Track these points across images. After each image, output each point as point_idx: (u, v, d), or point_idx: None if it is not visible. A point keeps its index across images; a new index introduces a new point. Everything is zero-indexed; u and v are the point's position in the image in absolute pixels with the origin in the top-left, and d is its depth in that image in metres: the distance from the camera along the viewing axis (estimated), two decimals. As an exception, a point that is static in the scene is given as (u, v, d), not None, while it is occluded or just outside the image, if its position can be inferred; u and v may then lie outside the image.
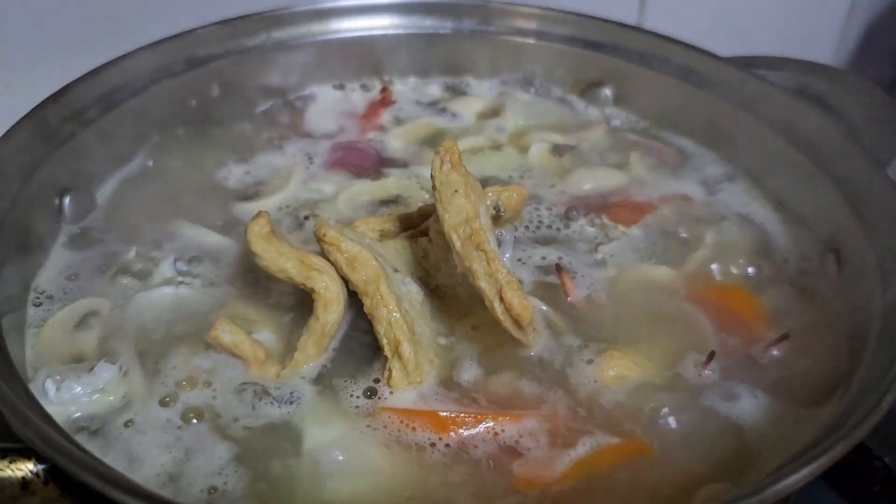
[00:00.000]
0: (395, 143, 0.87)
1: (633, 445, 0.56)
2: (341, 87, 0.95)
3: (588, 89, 0.92)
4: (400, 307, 0.60)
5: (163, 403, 0.58)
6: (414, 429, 0.57)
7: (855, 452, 0.65)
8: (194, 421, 0.57)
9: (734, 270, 0.71)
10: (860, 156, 0.70)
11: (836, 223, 0.71)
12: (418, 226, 0.70)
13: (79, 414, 0.58)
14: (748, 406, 0.59)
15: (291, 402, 0.59)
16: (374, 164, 0.83)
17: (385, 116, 0.90)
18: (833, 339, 0.64)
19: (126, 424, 0.57)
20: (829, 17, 1.33)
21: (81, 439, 0.54)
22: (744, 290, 0.69)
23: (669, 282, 0.69)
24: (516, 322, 0.59)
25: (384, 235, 0.70)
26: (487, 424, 0.57)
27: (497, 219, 0.70)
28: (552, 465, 0.55)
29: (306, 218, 0.76)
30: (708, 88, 0.84)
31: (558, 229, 0.74)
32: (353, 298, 0.62)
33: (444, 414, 0.57)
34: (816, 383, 0.61)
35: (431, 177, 0.62)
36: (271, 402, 0.59)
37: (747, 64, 0.86)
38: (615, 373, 0.61)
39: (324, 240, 0.62)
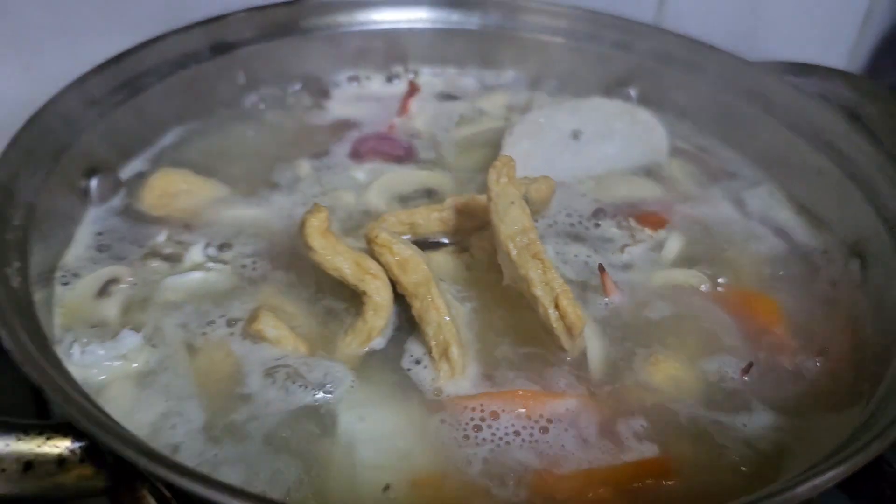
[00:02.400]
0: (424, 133, 0.87)
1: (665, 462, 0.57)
2: (368, 77, 0.95)
3: (614, 88, 0.92)
4: (449, 311, 0.62)
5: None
6: (470, 409, 0.58)
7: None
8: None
9: (761, 277, 0.71)
10: (886, 162, 0.71)
11: (861, 229, 0.72)
12: (449, 224, 0.71)
13: (102, 377, 0.58)
14: (769, 418, 0.60)
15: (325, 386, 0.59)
16: (405, 154, 0.83)
17: (413, 107, 0.90)
18: (858, 344, 0.65)
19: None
20: (845, 23, 1.33)
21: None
22: (769, 297, 0.69)
23: (698, 286, 0.69)
24: (569, 330, 0.60)
25: (413, 229, 0.71)
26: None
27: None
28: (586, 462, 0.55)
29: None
30: (733, 91, 0.85)
31: (586, 228, 0.74)
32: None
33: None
34: (842, 392, 0.61)
35: (488, 188, 0.64)
36: (304, 387, 0.59)
37: (771, 69, 0.87)
38: (661, 376, 0.62)
39: (375, 241, 0.63)
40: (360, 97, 0.92)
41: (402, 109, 0.90)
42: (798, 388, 0.62)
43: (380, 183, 0.79)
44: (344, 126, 0.87)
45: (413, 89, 0.93)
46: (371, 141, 0.84)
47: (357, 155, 0.83)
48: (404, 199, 0.78)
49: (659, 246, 0.73)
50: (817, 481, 0.47)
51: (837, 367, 0.63)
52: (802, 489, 0.46)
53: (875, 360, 0.62)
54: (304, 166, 0.81)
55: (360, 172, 0.80)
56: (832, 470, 0.47)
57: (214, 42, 0.85)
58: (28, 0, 0.94)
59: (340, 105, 0.91)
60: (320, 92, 0.91)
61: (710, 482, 0.55)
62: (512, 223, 0.62)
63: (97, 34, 0.85)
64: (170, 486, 0.50)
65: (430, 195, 0.78)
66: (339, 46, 0.92)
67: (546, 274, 0.61)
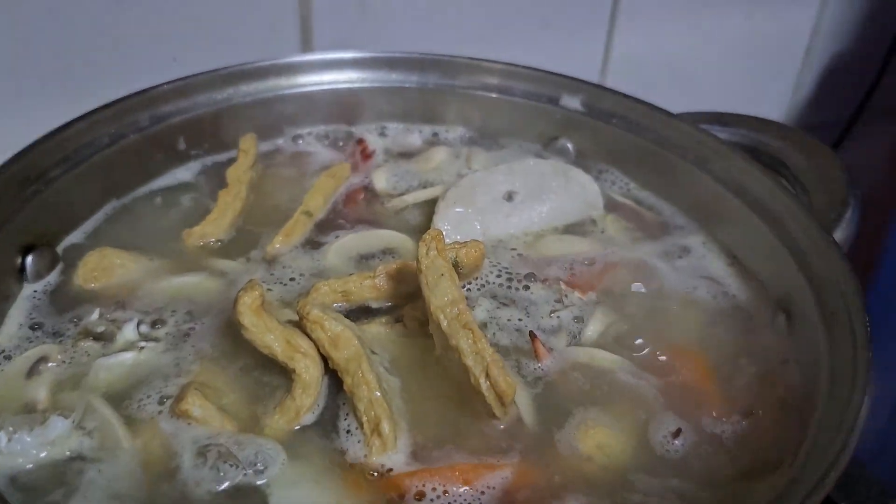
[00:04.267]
0: (380, 194, 0.88)
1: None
2: (314, 138, 0.96)
3: (550, 143, 0.94)
4: (380, 386, 0.63)
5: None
6: (405, 485, 0.58)
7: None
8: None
9: (692, 335, 0.72)
10: (809, 221, 0.73)
11: (787, 285, 0.73)
12: (382, 290, 0.72)
13: (30, 466, 0.58)
14: (697, 485, 0.60)
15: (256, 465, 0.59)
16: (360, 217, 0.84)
17: (367, 168, 0.92)
18: (784, 404, 0.66)
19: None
20: (781, 76, 1.41)
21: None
22: (700, 358, 0.70)
23: (617, 369, 0.69)
24: (500, 398, 0.61)
25: (346, 297, 0.72)
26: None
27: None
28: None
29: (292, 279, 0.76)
30: (662, 144, 0.87)
31: (517, 289, 0.76)
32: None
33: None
34: (769, 455, 0.62)
35: (417, 261, 0.65)
36: (235, 466, 0.59)
37: (700, 120, 0.89)
38: (591, 443, 0.62)
39: (307, 318, 0.64)
40: (305, 160, 0.93)
41: (356, 170, 0.91)
42: (727, 453, 0.63)
43: (339, 244, 0.80)
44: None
45: (364, 149, 0.94)
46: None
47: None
48: (364, 259, 0.79)
49: (588, 308, 0.74)
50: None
51: (765, 428, 0.64)
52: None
53: (799, 420, 0.64)
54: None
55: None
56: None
57: (152, 113, 0.86)
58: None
59: (284, 169, 0.92)
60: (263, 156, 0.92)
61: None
62: (442, 294, 0.64)
63: (42, 107, 0.87)
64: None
65: (392, 255, 0.80)
66: (278, 110, 0.93)
67: (476, 344, 0.62)
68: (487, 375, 0.61)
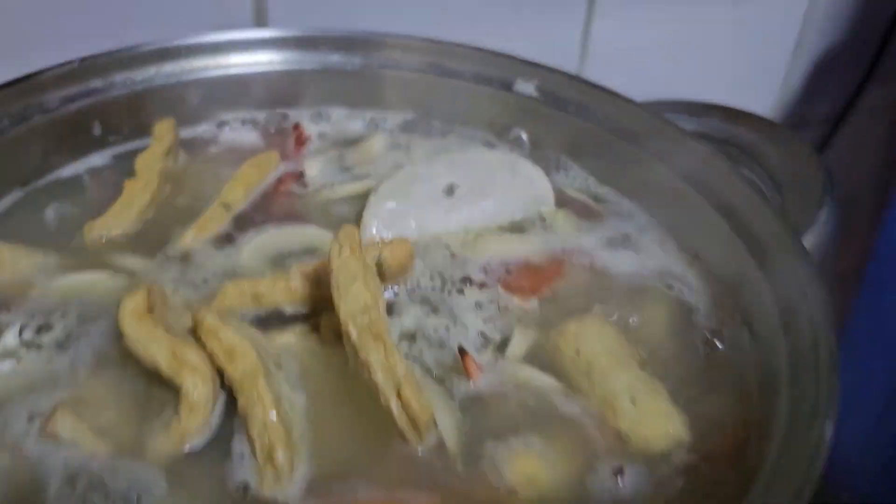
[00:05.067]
0: (310, 186, 0.80)
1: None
2: (245, 124, 0.88)
3: (503, 132, 0.86)
4: (278, 407, 0.55)
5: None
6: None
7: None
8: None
9: (642, 348, 0.64)
10: (775, 220, 0.65)
11: (751, 293, 0.66)
12: (297, 293, 0.64)
13: None
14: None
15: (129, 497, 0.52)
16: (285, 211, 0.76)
17: (300, 156, 0.84)
18: (743, 426, 0.59)
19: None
20: (772, 63, 1.32)
21: None
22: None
23: (550, 393, 0.61)
24: (413, 422, 0.54)
25: (258, 300, 0.64)
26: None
27: (380, 277, 0.64)
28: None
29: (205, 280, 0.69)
30: (623, 135, 0.79)
31: (450, 293, 0.68)
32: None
33: None
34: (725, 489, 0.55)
35: (328, 264, 0.58)
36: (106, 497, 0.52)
37: (668, 109, 0.82)
38: (519, 474, 0.55)
39: (201, 325, 0.57)
40: (234, 147, 0.85)
41: (289, 158, 0.83)
42: (676, 489, 0.55)
43: (256, 242, 0.72)
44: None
45: (299, 135, 0.87)
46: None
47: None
48: (282, 259, 0.71)
49: (529, 317, 0.66)
50: None
51: (720, 472, 0.56)
52: None
53: (756, 446, 0.56)
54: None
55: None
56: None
57: (65, 92, 0.79)
58: None
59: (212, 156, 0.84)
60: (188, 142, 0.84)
61: None
62: (353, 300, 0.57)
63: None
64: None
65: (315, 255, 0.71)
66: (207, 91, 0.85)
67: (388, 359, 0.55)
68: (399, 395, 0.53)
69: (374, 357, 0.54)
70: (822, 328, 0.56)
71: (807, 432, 0.50)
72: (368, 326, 0.56)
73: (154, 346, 0.56)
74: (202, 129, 0.87)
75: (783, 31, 1.34)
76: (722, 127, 0.83)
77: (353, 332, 0.56)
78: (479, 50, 0.85)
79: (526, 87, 0.84)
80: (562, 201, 0.79)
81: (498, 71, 0.85)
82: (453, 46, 0.86)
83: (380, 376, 0.54)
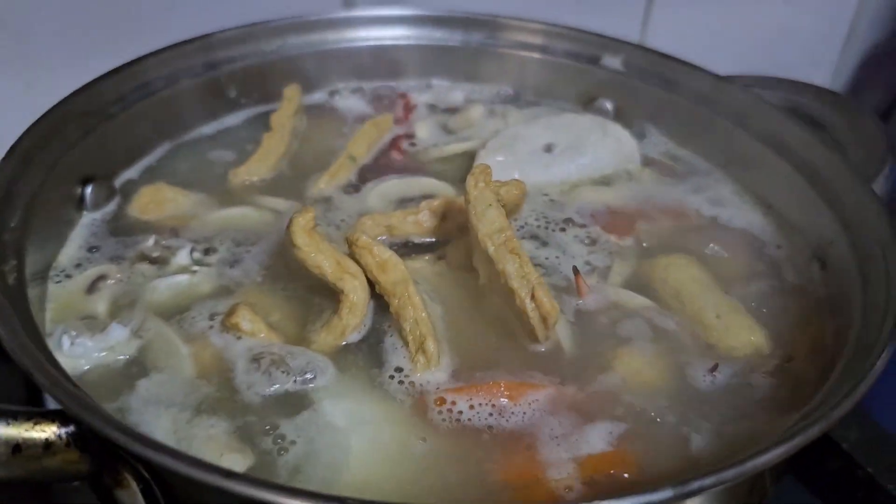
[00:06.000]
0: (420, 145, 0.90)
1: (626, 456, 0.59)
2: (355, 92, 0.98)
3: (589, 103, 0.96)
4: (426, 307, 0.65)
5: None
6: (450, 400, 0.60)
7: (839, 461, 0.69)
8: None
9: (726, 282, 0.73)
10: (846, 170, 0.74)
11: (823, 233, 0.75)
12: (424, 226, 0.74)
13: (87, 367, 0.62)
14: (730, 418, 0.62)
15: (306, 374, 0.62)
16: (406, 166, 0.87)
17: (409, 121, 0.94)
18: (816, 349, 0.67)
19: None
20: (828, 41, 1.38)
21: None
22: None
23: (645, 311, 0.70)
24: (544, 320, 0.63)
25: (390, 231, 0.74)
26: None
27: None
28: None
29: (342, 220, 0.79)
30: (703, 104, 0.88)
31: (553, 231, 0.77)
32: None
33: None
34: (801, 395, 0.62)
35: (466, 193, 0.67)
36: (286, 373, 0.61)
37: (742, 83, 0.90)
38: (628, 371, 0.64)
39: (356, 244, 0.66)
40: (348, 113, 0.96)
41: (399, 122, 0.93)
42: (762, 390, 0.64)
43: (380, 188, 0.83)
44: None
45: (406, 103, 0.97)
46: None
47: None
48: (404, 203, 0.81)
49: (625, 252, 0.76)
50: (764, 458, 0.49)
51: (799, 371, 0.65)
52: (751, 465, 0.48)
53: (828, 364, 0.64)
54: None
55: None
56: (779, 447, 0.49)
57: (207, 59, 0.90)
58: (32, 20, 0.99)
59: (330, 120, 0.94)
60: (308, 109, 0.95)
61: (667, 470, 0.58)
62: (489, 223, 0.66)
63: (98, 52, 0.90)
64: (150, 468, 0.52)
65: (428, 199, 0.80)
66: (324, 64, 0.96)
67: (523, 267, 0.64)
68: (533, 297, 0.63)
69: (511, 267, 0.63)
70: (891, 254, 0.65)
71: (878, 332, 0.59)
72: (504, 243, 0.65)
73: (321, 256, 0.65)
74: (317, 97, 0.97)
75: (833, 27, 1.40)
76: (789, 98, 0.91)
77: (491, 248, 0.64)
78: (570, 28, 0.95)
79: (612, 61, 0.93)
80: (645, 161, 0.89)
81: (587, 47, 0.94)
82: (546, 25, 0.96)
83: (515, 282, 0.63)
